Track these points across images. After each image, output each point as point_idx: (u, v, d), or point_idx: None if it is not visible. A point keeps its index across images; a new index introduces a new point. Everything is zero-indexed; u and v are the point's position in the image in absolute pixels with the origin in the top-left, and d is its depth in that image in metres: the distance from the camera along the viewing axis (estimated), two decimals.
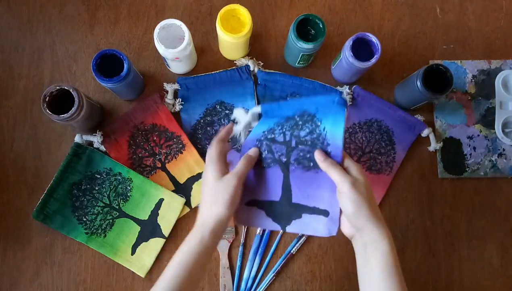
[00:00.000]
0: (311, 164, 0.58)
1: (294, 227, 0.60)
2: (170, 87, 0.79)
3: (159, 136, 0.79)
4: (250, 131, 0.63)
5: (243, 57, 0.81)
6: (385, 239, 0.53)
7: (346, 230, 0.58)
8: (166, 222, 0.77)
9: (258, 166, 0.62)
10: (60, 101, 0.68)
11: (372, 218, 0.53)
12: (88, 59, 0.81)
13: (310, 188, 0.59)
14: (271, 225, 0.61)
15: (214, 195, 0.57)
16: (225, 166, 0.59)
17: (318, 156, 0.57)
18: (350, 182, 0.53)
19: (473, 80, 0.83)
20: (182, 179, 0.79)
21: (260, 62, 0.81)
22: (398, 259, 0.54)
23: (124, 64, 0.69)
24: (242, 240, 0.77)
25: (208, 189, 0.58)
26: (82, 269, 0.76)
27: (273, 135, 0.61)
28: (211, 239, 0.56)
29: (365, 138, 0.81)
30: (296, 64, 0.80)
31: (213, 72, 0.80)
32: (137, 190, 0.77)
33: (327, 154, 0.57)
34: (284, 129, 0.60)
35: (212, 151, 0.59)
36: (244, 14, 0.72)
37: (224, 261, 0.76)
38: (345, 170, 0.55)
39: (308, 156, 0.59)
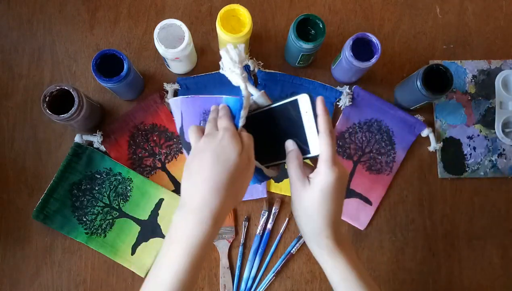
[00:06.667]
0: None
1: None
2: (170, 87, 0.79)
3: (159, 136, 0.79)
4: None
5: None
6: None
7: None
8: (166, 222, 0.77)
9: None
10: (60, 101, 0.68)
11: None
12: (88, 59, 0.81)
13: None
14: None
15: (230, 181, 0.47)
16: None
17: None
18: None
19: (473, 80, 0.83)
20: None
21: (260, 62, 0.81)
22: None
23: (124, 64, 0.69)
24: (242, 240, 0.77)
25: (227, 171, 0.47)
26: (82, 269, 0.76)
27: None
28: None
29: (365, 138, 0.81)
30: (296, 64, 0.80)
31: (213, 72, 0.80)
32: (137, 190, 0.77)
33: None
34: None
35: (230, 122, 0.50)
36: (244, 14, 0.72)
37: (224, 261, 0.76)
38: None
39: None
